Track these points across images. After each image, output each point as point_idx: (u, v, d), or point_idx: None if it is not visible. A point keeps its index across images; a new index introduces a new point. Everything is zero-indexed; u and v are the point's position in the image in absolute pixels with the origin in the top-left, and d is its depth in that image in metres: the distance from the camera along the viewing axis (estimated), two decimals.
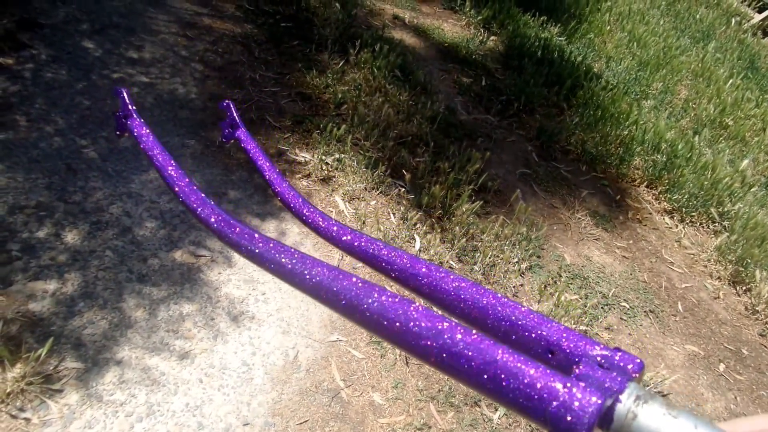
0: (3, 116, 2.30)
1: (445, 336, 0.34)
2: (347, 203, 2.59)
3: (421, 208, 2.68)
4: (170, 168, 0.59)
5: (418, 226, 2.58)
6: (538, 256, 2.74)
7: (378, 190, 2.71)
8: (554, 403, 0.30)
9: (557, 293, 2.44)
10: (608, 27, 5.42)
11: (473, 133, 3.46)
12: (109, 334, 1.77)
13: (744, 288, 3.15)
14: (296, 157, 2.74)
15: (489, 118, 3.68)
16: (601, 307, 2.61)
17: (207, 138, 2.65)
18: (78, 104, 2.51)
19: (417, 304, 0.36)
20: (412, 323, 0.35)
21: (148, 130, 0.62)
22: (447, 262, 2.47)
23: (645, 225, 3.37)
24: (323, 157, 2.73)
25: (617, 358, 0.33)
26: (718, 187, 3.58)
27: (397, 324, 0.36)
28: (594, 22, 5.33)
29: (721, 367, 2.62)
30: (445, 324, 0.34)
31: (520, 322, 0.39)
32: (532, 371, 0.31)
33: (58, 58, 2.70)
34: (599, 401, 0.29)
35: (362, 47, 3.54)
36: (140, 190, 2.26)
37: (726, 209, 3.57)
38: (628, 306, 2.71)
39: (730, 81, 5.30)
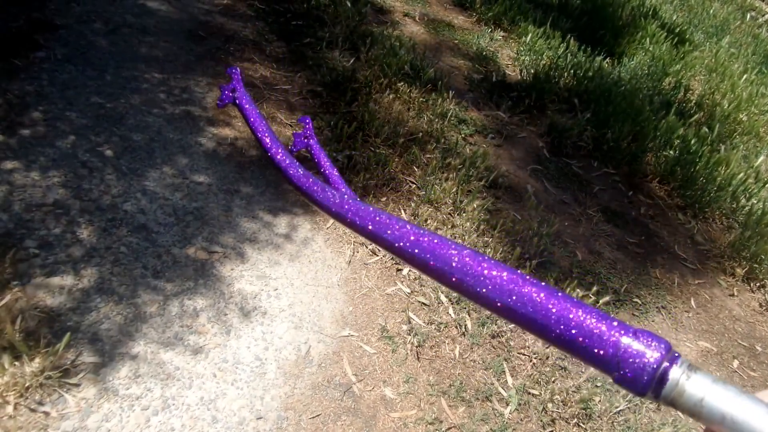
0: (20, 116, 2.34)
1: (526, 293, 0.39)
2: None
3: (432, 204, 2.68)
4: (268, 138, 0.68)
5: (428, 222, 2.58)
6: (550, 253, 2.74)
7: (389, 186, 2.72)
8: (625, 351, 0.35)
9: (569, 289, 2.44)
10: (620, 22, 5.38)
11: (484, 129, 3.45)
12: (124, 329, 1.80)
13: (758, 284, 3.12)
14: (307, 155, 2.76)
15: (499, 114, 3.68)
16: (613, 303, 2.60)
17: (219, 135, 2.68)
18: (93, 103, 2.54)
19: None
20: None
21: (253, 105, 0.73)
22: None
23: (657, 221, 3.35)
24: (334, 154, 2.75)
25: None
26: (732, 183, 3.55)
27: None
28: (606, 18, 5.29)
29: (735, 363, 2.60)
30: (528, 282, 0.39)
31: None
32: (601, 324, 0.36)
33: (73, 57, 2.74)
34: (665, 351, 0.34)
35: (372, 44, 3.55)
36: (154, 188, 2.29)
37: (740, 205, 3.54)
38: (640, 302, 2.70)
39: (744, 76, 5.24)
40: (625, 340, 0.35)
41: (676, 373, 0.34)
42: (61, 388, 1.60)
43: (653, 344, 0.35)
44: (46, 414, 1.54)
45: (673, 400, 0.34)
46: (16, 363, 1.58)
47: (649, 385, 0.34)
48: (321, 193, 0.59)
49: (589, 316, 0.37)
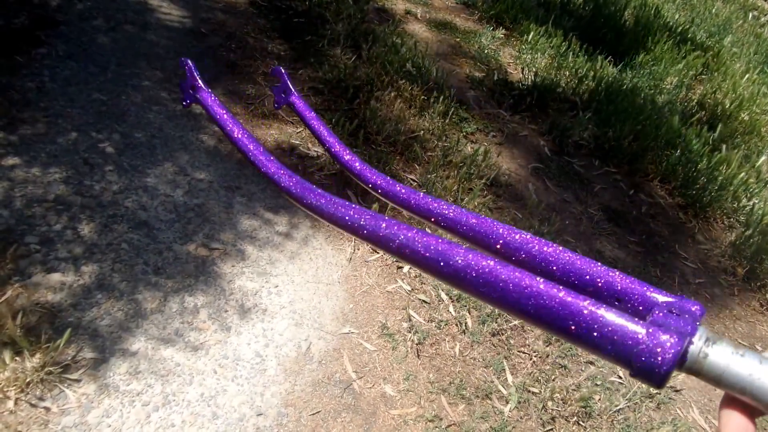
0: (21, 112, 2.34)
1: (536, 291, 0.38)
2: (359, 197, 2.60)
3: None
4: (239, 132, 0.62)
5: None
6: None
7: None
8: (638, 347, 0.34)
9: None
10: (622, 21, 5.37)
11: (485, 128, 3.45)
12: (125, 325, 1.80)
13: (759, 284, 3.12)
14: (309, 152, 2.76)
15: (501, 112, 3.67)
16: None
17: (220, 133, 2.68)
18: (94, 100, 2.54)
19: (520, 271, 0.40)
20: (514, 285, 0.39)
21: (215, 99, 0.65)
22: None
23: (658, 220, 3.35)
24: None
25: (682, 304, 0.38)
26: (733, 182, 3.54)
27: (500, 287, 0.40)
28: (608, 16, 5.29)
29: None
30: (536, 281, 0.38)
31: (586, 270, 0.42)
32: (615, 319, 0.35)
33: (75, 54, 2.74)
34: (679, 346, 0.33)
35: (374, 42, 3.55)
36: (155, 184, 2.29)
37: (741, 205, 3.54)
38: None
39: (746, 76, 5.23)
40: (640, 335, 0.34)
41: (695, 349, 0.34)
42: (61, 384, 1.60)
43: (668, 339, 0.34)
44: (47, 409, 1.55)
45: (695, 372, 0.34)
46: (17, 358, 1.59)
47: (665, 380, 0.34)
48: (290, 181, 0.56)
49: (599, 309, 0.36)
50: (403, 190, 0.58)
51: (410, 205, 0.57)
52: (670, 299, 0.39)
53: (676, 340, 0.33)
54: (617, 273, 0.41)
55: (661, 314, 0.36)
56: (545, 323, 0.38)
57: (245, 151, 0.61)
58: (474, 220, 0.51)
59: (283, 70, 0.72)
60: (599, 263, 0.43)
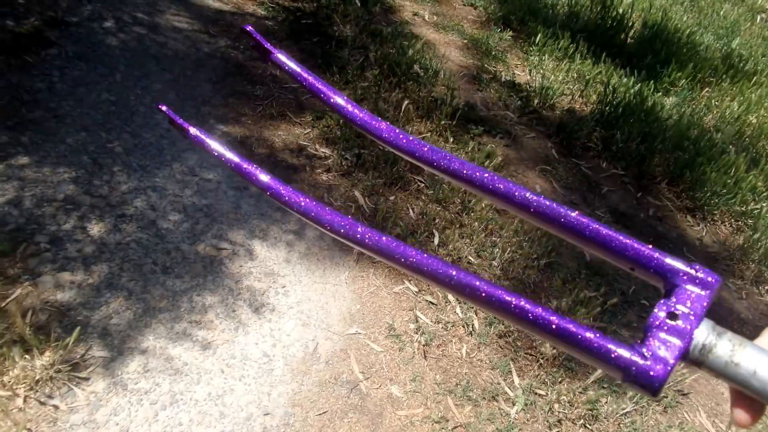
0: (31, 112, 2.36)
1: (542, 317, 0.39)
2: (366, 198, 2.60)
3: (440, 203, 2.68)
4: (238, 161, 0.57)
5: (437, 221, 2.58)
6: (558, 253, 2.73)
7: (397, 185, 2.72)
8: (633, 368, 0.36)
9: (576, 290, 2.43)
10: (630, 22, 5.35)
11: (493, 129, 3.45)
12: (133, 324, 1.81)
13: (767, 287, 3.10)
14: (316, 153, 2.77)
15: (508, 114, 3.67)
16: (621, 305, 2.60)
17: (229, 133, 2.69)
18: (104, 100, 2.56)
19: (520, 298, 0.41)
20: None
21: (204, 136, 0.58)
22: (465, 257, 2.47)
23: (666, 223, 3.34)
24: (343, 153, 2.75)
25: (693, 278, 0.40)
26: (741, 185, 3.53)
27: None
28: (615, 17, 5.27)
29: None
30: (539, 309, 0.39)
31: (604, 235, 0.43)
32: (611, 346, 0.37)
33: (84, 55, 2.76)
34: (666, 371, 0.35)
35: (382, 44, 3.55)
36: (164, 184, 2.30)
37: (749, 208, 3.52)
38: (648, 304, 2.69)
39: (754, 78, 5.21)
40: (633, 360, 0.36)
41: (692, 356, 0.36)
42: (70, 382, 1.61)
43: (658, 365, 0.35)
44: (56, 407, 1.56)
45: (698, 367, 0.36)
46: (27, 356, 1.60)
47: (660, 390, 0.35)
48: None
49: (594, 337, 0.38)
50: (408, 139, 0.56)
51: (415, 155, 0.56)
52: (685, 268, 0.40)
53: (666, 366, 0.35)
54: (634, 240, 0.42)
55: (658, 325, 0.37)
56: (544, 335, 0.40)
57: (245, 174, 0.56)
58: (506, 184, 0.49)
59: (250, 28, 0.64)
60: (617, 230, 0.44)
